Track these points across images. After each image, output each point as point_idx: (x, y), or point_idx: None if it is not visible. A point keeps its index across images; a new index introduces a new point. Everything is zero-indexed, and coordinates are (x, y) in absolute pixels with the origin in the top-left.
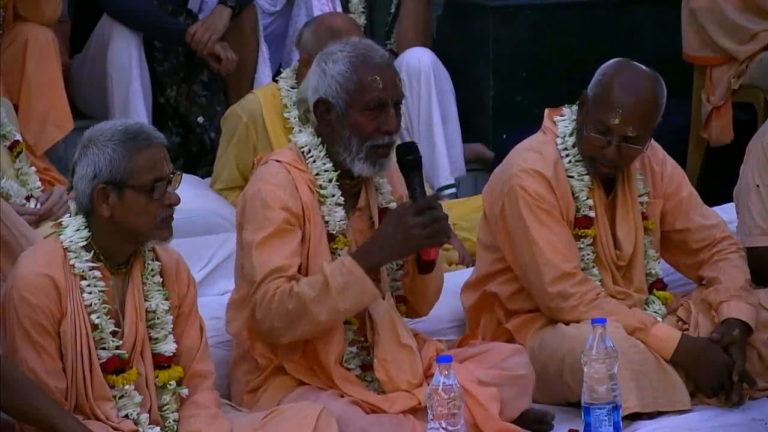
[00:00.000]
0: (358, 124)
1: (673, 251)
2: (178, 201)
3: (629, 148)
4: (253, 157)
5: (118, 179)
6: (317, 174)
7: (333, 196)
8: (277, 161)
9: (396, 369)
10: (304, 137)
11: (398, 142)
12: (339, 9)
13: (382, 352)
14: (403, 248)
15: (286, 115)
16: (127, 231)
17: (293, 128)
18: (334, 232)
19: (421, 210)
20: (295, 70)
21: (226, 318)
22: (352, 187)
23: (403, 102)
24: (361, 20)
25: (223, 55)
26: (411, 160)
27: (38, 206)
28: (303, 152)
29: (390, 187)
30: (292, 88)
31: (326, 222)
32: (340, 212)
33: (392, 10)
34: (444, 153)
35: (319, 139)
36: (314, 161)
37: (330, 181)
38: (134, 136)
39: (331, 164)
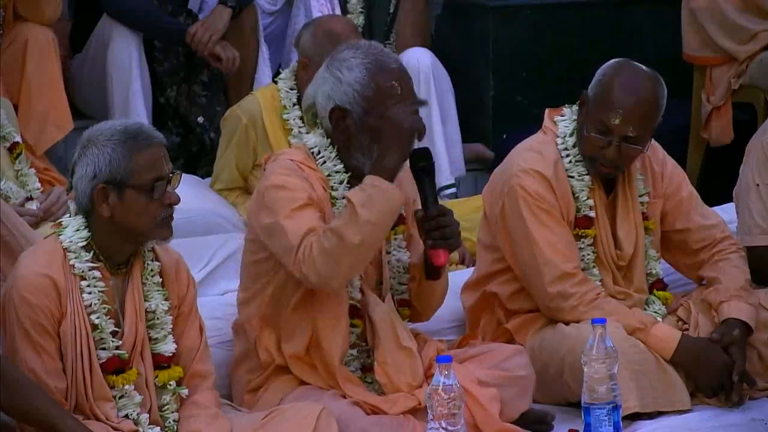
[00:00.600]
0: (379, 129)
1: (673, 251)
2: (178, 200)
3: (629, 148)
4: (252, 158)
5: (118, 179)
6: (329, 175)
7: (343, 198)
8: (289, 159)
9: (396, 371)
10: (314, 138)
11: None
12: (337, 9)
13: (382, 355)
14: (400, 141)
15: (285, 116)
16: (127, 231)
17: (292, 129)
18: None
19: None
20: (293, 71)
21: (239, 310)
22: None
23: None
24: (360, 20)
25: (223, 54)
26: (424, 167)
27: (38, 207)
28: (313, 153)
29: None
30: (291, 89)
31: None
32: None
33: (391, 10)
34: (444, 153)
35: (329, 140)
36: (324, 162)
37: (341, 183)
38: (134, 135)
39: (342, 166)
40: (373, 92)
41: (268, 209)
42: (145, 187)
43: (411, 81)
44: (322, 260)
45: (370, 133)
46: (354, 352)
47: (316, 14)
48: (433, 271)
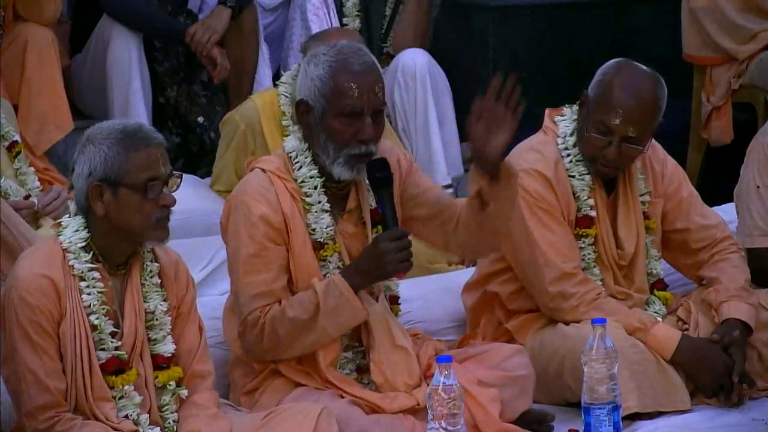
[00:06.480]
0: (334, 129)
1: (673, 251)
2: (173, 202)
3: (630, 149)
4: None
5: (113, 177)
6: (302, 181)
7: (319, 203)
8: (262, 170)
9: (392, 371)
10: (292, 142)
11: (391, 144)
12: (333, 13)
13: (377, 355)
14: (378, 274)
15: (284, 122)
16: (122, 230)
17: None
18: (322, 240)
19: (395, 237)
20: (294, 77)
21: (223, 322)
22: (339, 190)
23: (400, 103)
24: (356, 23)
25: (219, 59)
26: (381, 178)
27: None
28: (290, 157)
29: None
30: (291, 94)
31: (313, 230)
32: (327, 219)
33: (387, 13)
34: (441, 153)
35: (306, 144)
36: (300, 167)
37: (315, 188)
38: (131, 134)
39: (317, 170)
40: (331, 91)
41: (230, 234)
42: (139, 186)
43: (377, 85)
44: (270, 341)
45: (327, 132)
46: (348, 354)
47: (311, 17)
48: None
